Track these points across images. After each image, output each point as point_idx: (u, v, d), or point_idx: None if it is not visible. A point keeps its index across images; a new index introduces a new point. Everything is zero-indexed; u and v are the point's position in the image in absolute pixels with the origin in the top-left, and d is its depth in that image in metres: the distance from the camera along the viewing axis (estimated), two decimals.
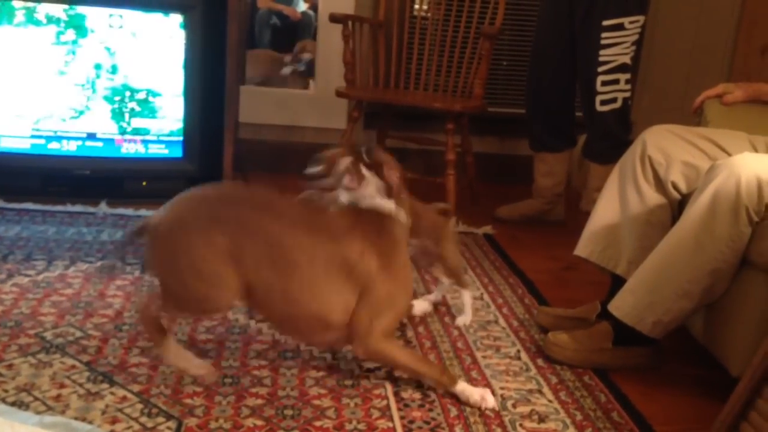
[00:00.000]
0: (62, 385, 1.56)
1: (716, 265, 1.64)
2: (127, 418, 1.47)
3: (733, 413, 1.42)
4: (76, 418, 1.45)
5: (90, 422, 1.44)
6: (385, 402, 1.59)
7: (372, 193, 1.62)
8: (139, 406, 1.51)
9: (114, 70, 2.73)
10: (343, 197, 1.62)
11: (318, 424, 1.48)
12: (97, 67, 2.72)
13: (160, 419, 1.47)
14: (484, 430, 1.52)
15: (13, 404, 1.48)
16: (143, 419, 1.47)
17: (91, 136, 2.77)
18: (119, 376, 1.62)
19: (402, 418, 1.53)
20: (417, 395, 1.63)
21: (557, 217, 3.07)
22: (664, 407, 1.69)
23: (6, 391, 1.52)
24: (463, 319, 2.02)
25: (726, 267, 1.65)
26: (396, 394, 1.63)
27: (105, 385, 1.58)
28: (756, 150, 1.89)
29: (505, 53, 3.63)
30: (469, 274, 2.42)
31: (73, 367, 1.64)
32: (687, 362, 1.92)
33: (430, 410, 1.57)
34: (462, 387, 1.60)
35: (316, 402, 1.57)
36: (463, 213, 2.97)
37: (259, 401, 1.55)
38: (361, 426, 1.49)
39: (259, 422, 1.47)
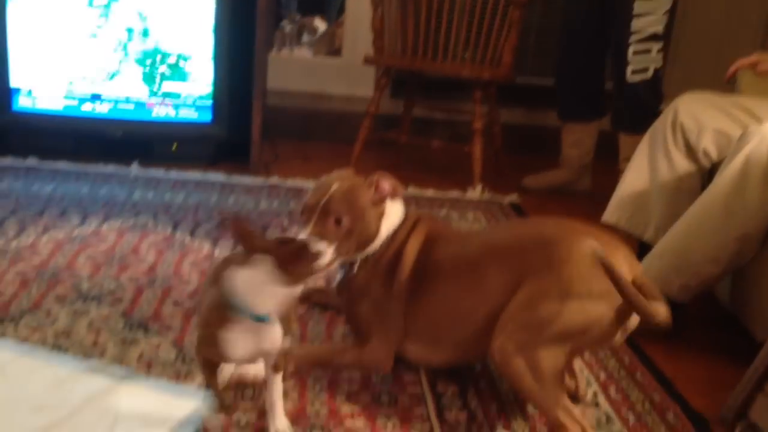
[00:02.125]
0: (99, 332, 1.61)
1: (745, 231, 1.64)
2: (162, 364, 1.52)
3: (759, 373, 1.43)
4: (112, 363, 1.50)
5: (127, 367, 1.49)
6: (427, 425, 1.40)
7: None
8: (174, 352, 1.56)
9: (145, 33, 2.76)
10: None
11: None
12: (129, 30, 2.75)
13: (194, 365, 1.51)
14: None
15: (52, 348, 1.53)
16: (178, 365, 1.51)
17: (123, 99, 2.81)
18: (153, 325, 1.67)
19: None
20: (462, 416, 1.44)
21: (584, 188, 3.06)
22: (688, 369, 1.70)
23: (45, 336, 1.58)
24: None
25: (755, 233, 1.65)
26: (439, 415, 1.43)
27: (140, 334, 1.62)
28: None
29: (534, 22, 3.60)
30: None
31: (109, 316, 1.69)
32: (712, 327, 1.93)
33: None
34: None
35: (349, 422, 1.38)
36: (488, 182, 2.98)
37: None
38: None
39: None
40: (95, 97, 2.80)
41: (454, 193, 2.89)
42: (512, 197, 2.91)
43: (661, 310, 1.29)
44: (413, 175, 3.09)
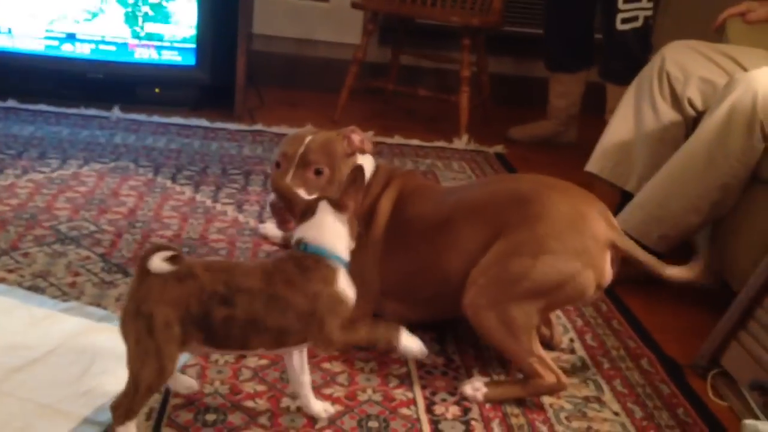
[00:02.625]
0: (77, 274, 1.60)
1: (726, 180, 1.64)
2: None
3: (732, 321, 1.45)
4: (90, 304, 1.49)
5: (104, 308, 1.49)
6: (404, 369, 1.40)
7: None
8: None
9: None
10: None
11: (327, 391, 1.31)
12: None
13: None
14: (516, 402, 1.35)
15: (29, 289, 1.53)
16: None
17: (105, 40, 2.75)
18: (132, 268, 1.66)
19: (423, 387, 1.36)
20: (440, 360, 1.45)
21: (569, 140, 3.05)
22: (664, 318, 1.72)
23: (22, 276, 1.57)
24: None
25: (736, 182, 1.65)
26: (417, 359, 1.41)
27: (119, 275, 1.62)
28: None
29: None
30: None
31: (88, 258, 1.68)
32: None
33: (455, 378, 1.40)
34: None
35: (326, 366, 1.39)
36: (475, 132, 2.96)
37: (262, 362, 1.38)
38: (377, 396, 1.31)
39: (261, 387, 1.31)
40: (75, 38, 2.73)
41: (439, 143, 2.87)
42: (498, 148, 2.89)
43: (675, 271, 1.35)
44: (399, 124, 3.07)
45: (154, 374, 1.08)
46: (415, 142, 2.86)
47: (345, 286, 1.15)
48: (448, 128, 2.98)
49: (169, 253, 1.07)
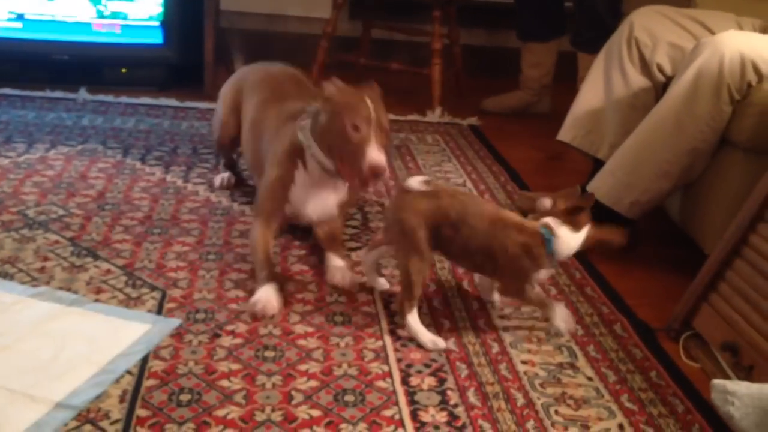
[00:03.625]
0: (46, 258, 1.58)
1: (696, 144, 1.65)
2: (111, 288, 1.50)
3: (704, 284, 1.47)
4: (60, 289, 1.48)
5: (75, 293, 1.47)
6: (380, 343, 1.40)
7: None
8: (124, 278, 1.54)
9: None
10: None
11: (303, 368, 1.30)
12: None
13: (145, 290, 1.50)
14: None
15: None
16: (128, 290, 1.50)
17: (68, 21, 2.69)
18: (103, 251, 1.64)
19: (399, 360, 1.35)
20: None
21: (543, 109, 3.05)
22: (638, 284, 1.73)
23: None
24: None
25: (705, 146, 1.65)
26: (392, 332, 1.44)
27: (89, 259, 1.60)
28: (743, 30, 1.86)
29: None
30: (452, 163, 2.42)
31: (57, 242, 1.65)
32: (663, 243, 1.96)
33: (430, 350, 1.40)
34: None
35: (302, 342, 1.38)
36: (448, 104, 2.94)
37: (237, 341, 1.37)
38: (352, 371, 1.31)
39: (235, 366, 1.29)
40: (38, 20, 2.67)
41: (413, 116, 2.85)
42: (472, 120, 2.88)
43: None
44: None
45: (417, 262, 1.40)
46: (389, 116, 2.83)
47: (544, 263, 1.41)
48: (421, 101, 2.96)
49: (424, 178, 1.43)
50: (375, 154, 1.50)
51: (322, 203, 1.69)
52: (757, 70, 1.56)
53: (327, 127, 1.57)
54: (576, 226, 1.41)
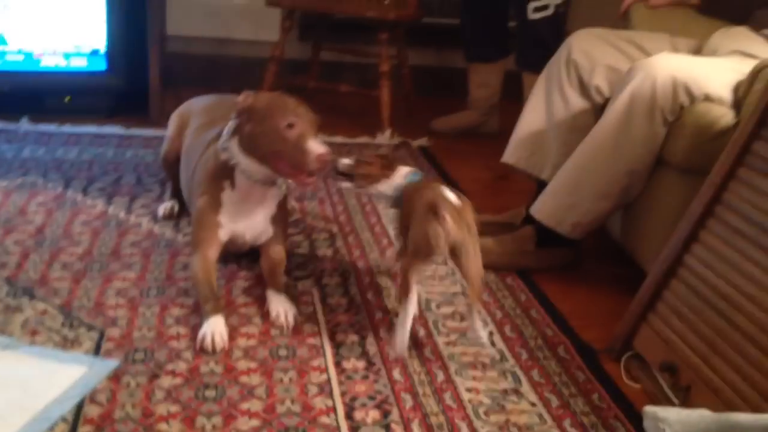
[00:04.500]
0: None
1: (632, 166, 1.68)
2: (47, 330, 1.46)
3: (642, 304, 1.49)
4: None
5: (9, 335, 1.43)
6: (324, 376, 1.39)
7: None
8: (60, 318, 1.50)
9: None
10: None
11: (245, 406, 1.28)
12: None
13: (82, 330, 1.47)
14: (435, 401, 1.36)
15: None
16: (65, 331, 1.46)
17: (9, 50, 2.64)
18: (40, 290, 1.60)
19: (343, 394, 1.34)
20: (360, 364, 1.44)
21: (492, 129, 3.07)
22: (581, 304, 1.75)
23: None
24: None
25: (642, 167, 1.68)
26: (337, 364, 1.43)
27: (25, 299, 1.56)
28: (677, 51, 1.90)
29: None
30: None
31: None
32: (605, 262, 1.99)
33: (375, 382, 1.39)
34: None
35: (244, 379, 1.36)
36: (399, 125, 2.95)
37: (176, 381, 1.34)
38: (296, 407, 1.30)
39: (174, 408, 1.27)
40: None
41: (363, 139, 2.86)
42: (422, 141, 2.90)
43: None
44: (322, 121, 3.01)
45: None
46: (339, 139, 2.84)
47: None
48: (371, 123, 2.97)
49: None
50: (317, 146, 1.52)
51: (253, 221, 1.68)
52: (689, 92, 1.60)
53: (257, 134, 1.57)
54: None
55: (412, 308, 1.43)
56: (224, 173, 1.63)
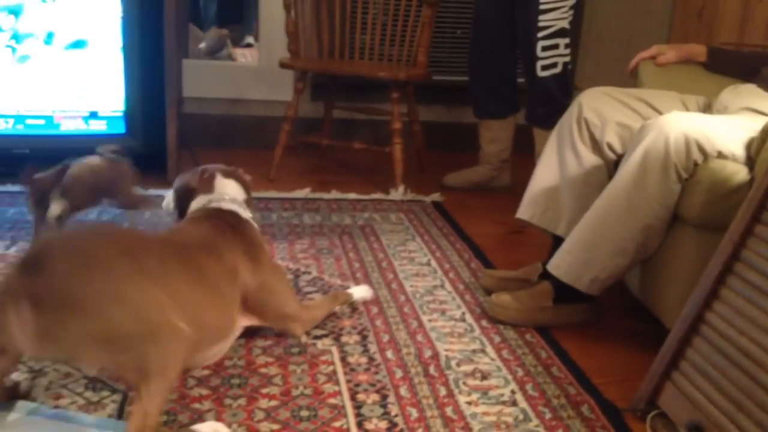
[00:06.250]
0: None
1: (648, 222, 1.69)
2: (71, 393, 1.47)
3: (665, 363, 1.48)
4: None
5: (34, 399, 1.43)
6: (331, 368, 1.62)
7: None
8: (83, 381, 1.51)
9: (50, 38, 2.66)
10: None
11: (264, 391, 1.51)
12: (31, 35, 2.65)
13: (105, 393, 1.47)
14: (428, 390, 1.56)
15: None
16: (87, 393, 1.47)
17: (29, 114, 2.70)
18: None
19: (348, 381, 1.57)
20: (363, 359, 1.66)
21: (504, 183, 3.11)
22: (602, 361, 1.74)
23: None
24: None
25: (658, 223, 1.70)
26: (343, 359, 1.66)
27: (47, 363, 1.56)
28: (687, 109, 1.94)
29: (450, 21, 3.64)
30: (417, 242, 2.44)
31: None
32: (625, 317, 1.98)
33: (376, 373, 1.61)
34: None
35: (263, 370, 1.59)
36: (411, 181, 2.99)
37: (206, 372, 1.56)
38: (308, 391, 1.52)
39: (205, 391, 1.49)
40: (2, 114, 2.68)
41: (376, 195, 2.89)
42: (435, 196, 2.93)
43: None
44: (336, 178, 3.09)
45: None
46: (352, 195, 2.87)
47: None
48: (384, 180, 3.01)
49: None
50: None
51: None
52: (701, 149, 1.62)
53: None
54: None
55: None
56: None
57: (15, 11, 2.61)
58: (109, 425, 1.37)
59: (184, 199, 1.77)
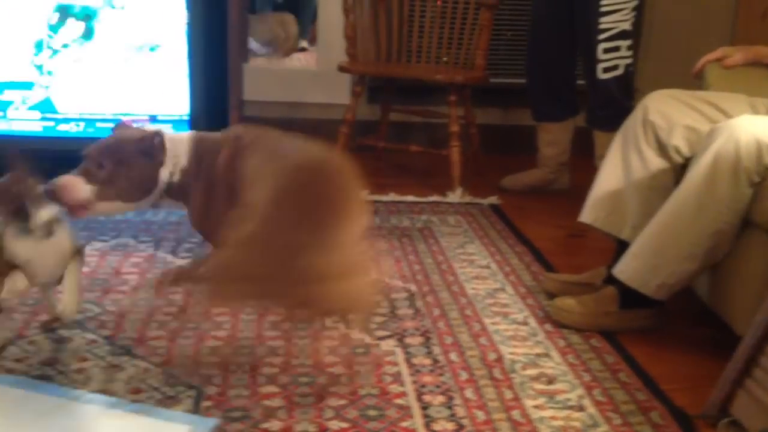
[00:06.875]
0: (84, 359, 1.61)
1: (718, 227, 1.67)
2: (149, 388, 1.52)
3: (737, 370, 1.46)
4: (98, 391, 1.50)
5: (113, 393, 1.49)
6: (396, 368, 1.63)
7: None
8: (161, 376, 1.56)
9: (119, 43, 2.75)
10: None
11: (333, 390, 1.54)
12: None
13: (181, 388, 1.52)
14: (494, 393, 1.56)
15: (37, 378, 1.53)
16: (165, 389, 1.52)
17: (98, 117, 2.80)
18: (139, 349, 1.67)
19: (414, 382, 1.58)
20: (427, 361, 1.67)
21: (562, 186, 3.09)
22: (671, 367, 1.73)
23: (30, 365, 1.57)
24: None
25: (728, 228, 1.68)
26: (407, 360, 1.67)
27: (125, 358, 1.63)
28: (756, 112, 1.90)
29: (506, 23, 3.63)
30: (475, 244, 2.45)
31: (94, 341, 1.69)
32: (693, 323, 1.96)
33: (441, 375, 1.62)
34: None
35: (331, 370, 1.62)
36: (468, 184, 3.00)
37: (275, 369, 1.60)
38: (374, 391, 1.54)
39: (276, 389, 1.53)
40: (69, 118, 2.78)
41: (434, 198, 2.91)
42: (492, 199, 2.93)
43: None
44: (393, 180, 3.11)
45: None
46: (410, 198, 2.90)
47: None
48: (441, 182, 3.02)
49: None
50: None
51: None
52: None
53: None
54: None
55: None
56: None
57: (87, 15, 2.71)
58: (185, 419, 1.42)
59: None
